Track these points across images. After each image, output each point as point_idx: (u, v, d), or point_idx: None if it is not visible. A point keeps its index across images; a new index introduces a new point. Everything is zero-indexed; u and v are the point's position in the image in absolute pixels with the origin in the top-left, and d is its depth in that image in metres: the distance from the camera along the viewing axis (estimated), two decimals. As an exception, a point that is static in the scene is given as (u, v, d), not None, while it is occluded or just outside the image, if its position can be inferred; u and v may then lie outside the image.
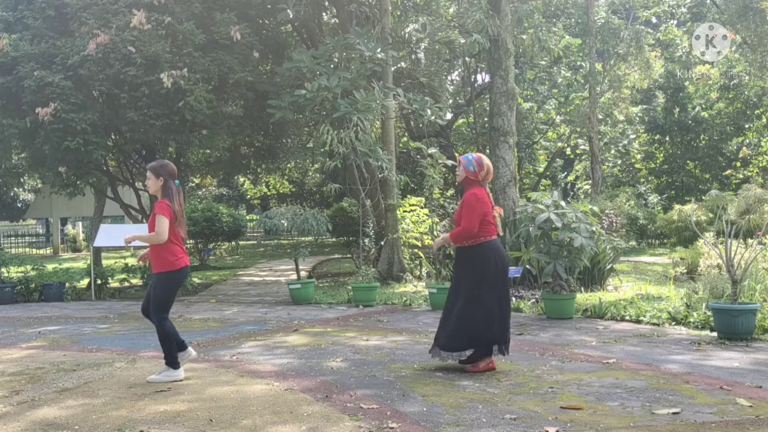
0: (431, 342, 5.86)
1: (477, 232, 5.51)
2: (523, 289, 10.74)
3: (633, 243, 20.48)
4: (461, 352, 5.59)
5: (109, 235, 13.81)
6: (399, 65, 17.28)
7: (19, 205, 34.44)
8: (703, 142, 27.88)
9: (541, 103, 26.57)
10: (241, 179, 28.25)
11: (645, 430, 3.97)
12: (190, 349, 5.74)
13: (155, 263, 5.56)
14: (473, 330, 5.51)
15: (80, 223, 34.30)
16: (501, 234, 5.77)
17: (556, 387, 5.00)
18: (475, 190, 5.59)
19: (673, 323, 7.71)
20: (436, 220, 12.83)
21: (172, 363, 5.54)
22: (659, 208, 24.20)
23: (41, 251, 31.12)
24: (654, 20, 29.46)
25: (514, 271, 10.14)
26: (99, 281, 13.36)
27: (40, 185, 29.01)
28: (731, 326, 6.61)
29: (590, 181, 24.68)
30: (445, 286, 9.88)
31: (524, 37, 14.56)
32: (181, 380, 5.48)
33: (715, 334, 6.87)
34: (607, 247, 11.36)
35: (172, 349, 5.55)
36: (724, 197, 19.56)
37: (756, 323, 6.72)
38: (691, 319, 7.56)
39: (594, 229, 9.07)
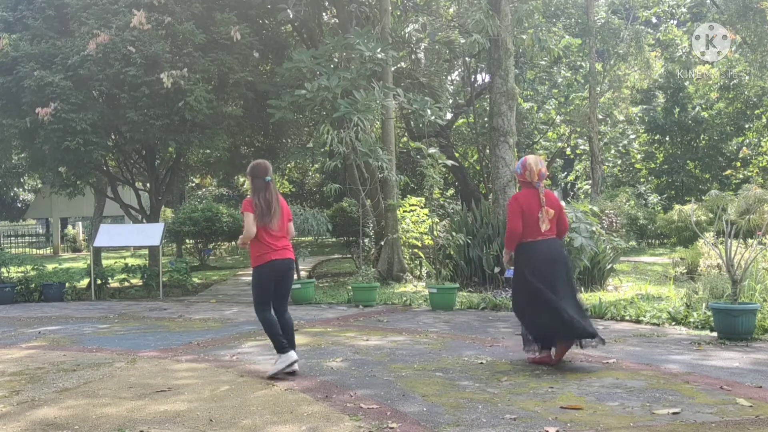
0: (431, 342, 5.89)
1: (521, 233, 5.76)
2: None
3: (633, 243, 20.49)
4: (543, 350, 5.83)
5: (109, 235, 13.82)
6: (399, 65, 17.28)
7: (19, 205, 34.42)
8: (703, 142, 27.88)
9: (541, 103, 26.56)
10: (241, 179, 28.23)
11: (645, 430, 3.97)
12: (292, 353, 5.67)
13: (251, 258, 5.81)
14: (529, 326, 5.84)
15: (80, 223, 34.30)
16: (543, 231, 5.78)
17: (556, 387, 5.00)
18: (519, 192, 5.92)
19: (673, 323, 7.71)
20: (436, 220, 12.83)
21: (280, 348, 5.60)
22: (659, 208, 24.20)
23: (41, 251, 31.11)
24: (654, 20, 29.45)
25: (511, 272, 10.13)
26: (99, 281, 13.36)
27: (40, 185, 29.01)
28: (731, 326, 6.61)
29: (590, 181, 24.68)
30: (445, 286, 9.90)
31: (524, 37, 14.54)
32: (295, 361, 5.58)
33: (715, 334, 6.87)
34: (607, 247, 11.37)
35: (276, 336, 5.62)
36: (724, 197, 19.56)
37: (756, 323, 6.72)
38: (691, 319, 7.56)
39: (594, 229, 9.08)
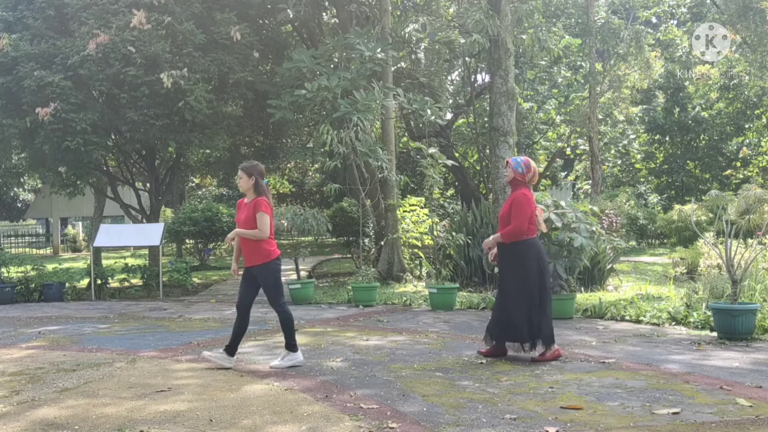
0: (431, 342, 5.91)
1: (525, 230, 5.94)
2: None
3: (633, 243, 20.48)
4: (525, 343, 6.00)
5: (109, 235, 13.82)
6: (399, 65, 17.27)
7: (19, 205, 34.40)
8: (703, 142, 27.88)
9: (541, 103, 26.54)
10: (241, 179, 28.19)
11: (645, 430, 3.97)
12: (233, 359, 6.04)
13: (253, 256, 5.92)
14: (516, 323, 5.95)
15: (80, 223, 34.29)
16: (544, 231, 6.47)
17: (556, 387, 5.00)
18: (524, 190, 6.02)
19: (673, 323, 7.71)
20: (436, 220, 12.82)
21: (292, 347, 5.95)
22: (659, 208, 24.19)
23: (41, 251, 31.10)
24: (654, 20, 29.43)
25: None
26: (99, 281, 13.36)
27: (40, 185, 29.00)
28: (731, 326, 6.61)
29: (590, 181, 24.67)
30: (445, 286, 9.90)
31: (524, 37, 14.53)
32: (301, 363, 5.94)
33: (715, 334, 6.87)
34: (607, 247, 11.36)
35: (293, 332, 5.97)
36: (724, 197, 19.56)
37: (756, 323, 6.73)
38: (691, 319, 7.56)
39: (594, 229, 9.06)
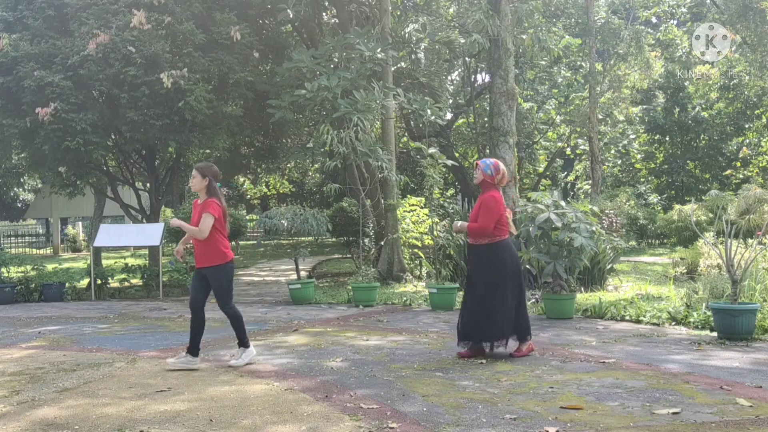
0: (431, 342, 5.93)
1: (492, 231, 6.04)
2: (523, 289, 10.72)
3: (633, 243, 20.48)
4: (495, 342, 6.10)
5: (109, 235, 13.82)
6: (399, 65, 17.27)
7: (19, 205, 34.42)
8: (703, 142, 27.88)
9: (541, 103, 26.54)
10: (241, 179, 28.24)
11: (645, 430, 3.97)
12: (197, 359, 6.12)
13: (205, 257, 5.99)
14: (493, 322, 6.00)
15: (80, 223, 34.30)
16: (514, 233, 6.50)
17: (556, 387, 5.00)
18: (493, 192, 6.13)
19: (673, 323, 7.71)
20: (436, 220, 12.82)
21: (245, 343, 6.11)
22: (659, 208, 24.20)
23: (41, 251, 31.11)
24: (654, 20, 29.43)
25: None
26: (99, 281, 13.36)
27: (40, 185, 29.00)
28: (731, 326, 6.61)
29: (590, 181, 24.68)
30: (445, 286, 9.90)
31: (524, 37, 14.55)
32: (255, 358, 6.12)
33: (715, 334, 6.87)
34: (607, 247, 11.36)
35: (244, 332, 6.12)
36: (724, 197, 19.56)
37: (756, 323, 6.72)
38: (691, 319, 7.56)
39: (594, 229, 9.06)
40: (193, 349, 6.02)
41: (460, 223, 6.40)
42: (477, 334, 6.12)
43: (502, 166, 6.24)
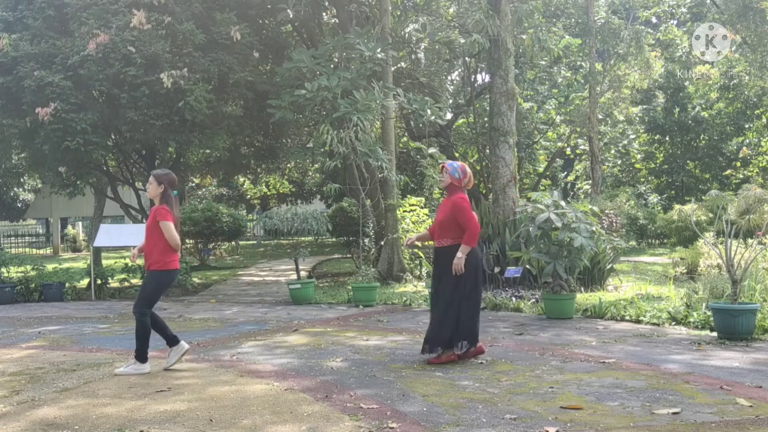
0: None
1: (457, 232, 6.01)
2: (523, 289, 10.73)
3: (633, 243, 20.48)
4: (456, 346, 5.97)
5: (109, 235, 13.81)
6: (399, 65, 17.27)
7: (19, 205, 34.42)
8: (703, 142, 27.88)
9: (541, 103, 26.54)
10: (241, 179, 28.24)
11: (645, 430, 3.97)
12: (182, 342, 6.07)
13: (150, 261, 5.92)
14: (463, 324, 5.94)
15: (80, 223, 34.30)
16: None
17: (556, 387, 5.00)
18: (461, 194, 6.11)
19: (673, 323, 7.71)
20: (436, 220, 12.82)
21: (142, 358, 5.90)
22: (659, 208, 24.19)
23: (41, 251, 31.12)
24: (654, 20, 29.43)
25: (513, 271, 10.14)
26: (99, 281, 13.36)
27: (40, 185, 29.01)
28: (731, 326, 6.61)
29: (590, 181, 24.67)
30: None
31: (524, 37, 14.54)
32: (147, 372, 5.85)
33: (715, 334, 6.87)
34: (607, 247, 11.36)
35: (146, 345, 5.91)
36: (724, 197, 19.55)
37: (756, 323, 6.73)
38: (691, 319, 7.56)
39: (594, 229, 9.06)
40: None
41: (461, 254, 5.94)
42: (452, 338, 5.94)
43: (468, 169, 6.17)
